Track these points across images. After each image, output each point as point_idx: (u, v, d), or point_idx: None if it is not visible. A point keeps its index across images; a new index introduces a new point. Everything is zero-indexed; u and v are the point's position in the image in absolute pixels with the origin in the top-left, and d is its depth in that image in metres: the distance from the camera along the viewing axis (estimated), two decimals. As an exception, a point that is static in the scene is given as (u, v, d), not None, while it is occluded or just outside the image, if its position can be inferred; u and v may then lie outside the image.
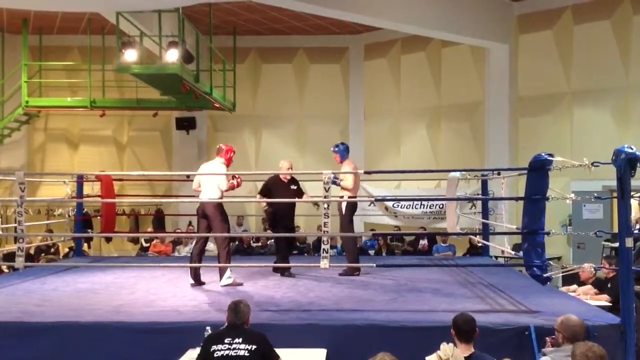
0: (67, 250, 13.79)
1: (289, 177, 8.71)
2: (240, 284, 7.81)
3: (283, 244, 8.88)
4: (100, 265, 9.71)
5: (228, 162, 8.02)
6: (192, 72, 13.40)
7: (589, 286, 8.20)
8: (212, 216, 7.74)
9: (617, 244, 5.83)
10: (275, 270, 8.70)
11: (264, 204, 8.75)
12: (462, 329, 4.57)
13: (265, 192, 8.70)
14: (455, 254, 13.04)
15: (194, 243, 12.62)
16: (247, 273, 8.72)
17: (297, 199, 8.71)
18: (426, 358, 4.45)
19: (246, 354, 4.44)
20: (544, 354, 4.64)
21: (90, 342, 5.49)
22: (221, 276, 7.80)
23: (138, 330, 5.54)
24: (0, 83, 16.16)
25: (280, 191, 8.57)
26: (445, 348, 4.41)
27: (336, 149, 8.84)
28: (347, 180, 8.43)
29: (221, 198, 7.81)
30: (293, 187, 8.75)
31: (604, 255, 10.49)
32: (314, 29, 16.59)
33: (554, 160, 5.96)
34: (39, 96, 16.17)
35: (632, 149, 5.32)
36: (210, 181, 7.84)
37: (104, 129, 17.40)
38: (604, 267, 7.91)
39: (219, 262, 7.86)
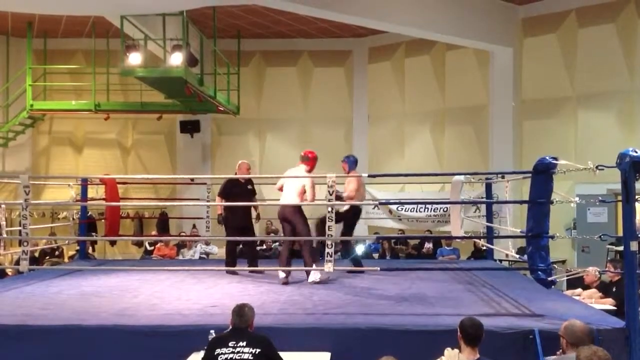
0: (73, 252, 13.81)
1: (245, 178, 9.11)
2: (327, 280, 8.05)
3: (233, 244, 9.22)
4: (105, 269, 9.71)
5: (311, 170, 8.37)
6: (197, 75, 13.42)
7: (594, 290, 8.19)
8: (294, 220, 8.16)
9: (621, 248, 5.81)
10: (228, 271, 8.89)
11: (220, 208, 9.09)
12: (469, 333, 4.53)
13: (224, 194, 8.97)
14: (459, 258, 13.01)
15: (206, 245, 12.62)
16: (249, 276, 8.74)
17: (252, 203, 9.16)
18: None
19: (250, 357, 4.44)
20: None
21: (94, 345, 5.49)
22: (308, 274, 8.10)
23: (142, 333, 5.53)
24: (5, 86, 16.22)
25: (237, 191, 8.90)
26: (450, 354, 4.39)
27: (347, 159, 9.10)
28: (350, 190, 8.67)
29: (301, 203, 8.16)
30: (249, 187, 9.15)
31: (609, 258, 10.47)
32: (318, 32, 16.60)
33: (559, 164, 5.95)
34: (43, 99, 16.23)
35: (636, 152, 5.31)
36: (292, 187, 8.19)
37: (109, 132, 17.44)
38: (608, 271, 7.89)
39: (305, 263, 8.13)
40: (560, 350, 4.75)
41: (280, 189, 8.54)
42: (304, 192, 8.11)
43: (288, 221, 8.27)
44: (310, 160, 8.34)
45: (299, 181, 8.15)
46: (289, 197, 8.22)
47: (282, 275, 8.16)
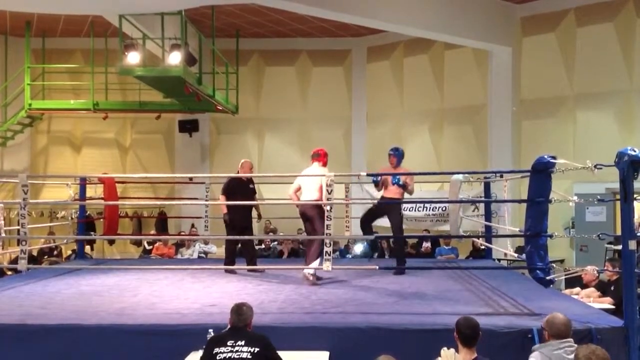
0: (69, 252, 13.80)
1: (247, 177, 9.13)
2: (317, 284, 7.98)
3: (232, 243, 9.27)
4: (103, 268, 9.72)
5: (325, 165, 8.43)
6: (195, 74, 13.41)
7: (592, 289, 8.19)
8: (313, 217, 8.14)
9: (620, 247, 5.82)
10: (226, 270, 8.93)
11: (225, 206, 9.01)
12: (465, 333, 4.52)
13: (227, 192, 8.96)
14: (458, 257, 13.00)
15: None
16: (248, 275, 8.75)
17: (253, 202, 9.18)
18: None
19: (249, 356, 4.44)
20: (534, 350, 4.65)
21: (92, 344, 5.49)
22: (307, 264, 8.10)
23: (141, 332, 5.53)
24: (3, 86, 16.21)
25: (240, 190, 8.91)
26: (447, 354, 4.38)
27: (397, 152, 9.03)
28: (413, 185, 8.90)
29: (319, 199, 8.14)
30: (251, 185, 9.16)
31: (607, 257, 10.47)
32: (317, 31, 16.60)
33: (557, 163, 5.95)
34: (42, 99, 16.22)
35: (635, 151, 5.32)
36: (311, 184, 8.23)
37: (107, 132, 17.43)
38: (607, 270, 7.90)
39: (308, 254, 8.24)
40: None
41: (295, 192, 8.46)
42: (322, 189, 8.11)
43: (308, 217, 8.26)
44: (322, 157, 8.43)
45: (317, 177, 8.20)
46: (310, 195, 8.26)
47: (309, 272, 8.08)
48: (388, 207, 8.89)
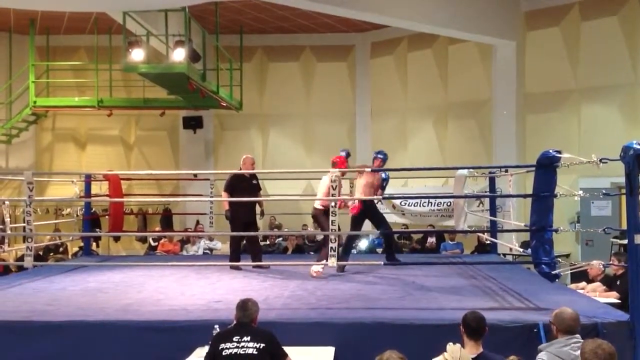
0: (76, 249, 13.83)
1: (250, 173, 9.13)
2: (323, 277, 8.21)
3: (237, 239, 9.30)
4: (109, 265, 9.74)
5: (343, 174, 8.68)
6: (199, 71, 13.42)
7: (598, 283, 8.17)
8: (320, 220, 8.65)
9: (626, 241, 5.81)
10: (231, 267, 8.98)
11: (226, 203, 9.06)
12: (472, 327, 4.52)
13: (230, 189, 8.99)
14: (463, 252, 13.00)
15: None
16: (253, 271, 8.76)
17: (257, 198, 9.19)
18: None
19: (254, 352, 4.45)
20: (540, 350, 4.64)
21: (98, 341, 5.51)
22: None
23: (146, 329, 5.55)
24: (8, 83, 16.23)
25: (243, 186, 8.94)
26: (452, 349, 4.37)
27: (384, 157, 9.31)
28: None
29: (326, 205, 8.25)
30: (254, 181, 9.18)
31: (613, 252, 10.45)
32: (321, 27, 16.58)
33: (562, 157, 5.94)
34: (46, 96, 16.25)
35: (640, 145, 5.31)
36: (319, 189, 8.72)
37: (112, 129, 17.45)
38: (612, 264, 7.88)
39: (320, 255, 8.56)
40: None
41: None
42: (328, 193, 8.11)
43: (316, 221, 8.85)
44: (337, 165, 8.49)
45: (323, 183, 8.44)
46: (317, 199, 8.69)
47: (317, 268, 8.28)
48: (368, 211, 9.14)
